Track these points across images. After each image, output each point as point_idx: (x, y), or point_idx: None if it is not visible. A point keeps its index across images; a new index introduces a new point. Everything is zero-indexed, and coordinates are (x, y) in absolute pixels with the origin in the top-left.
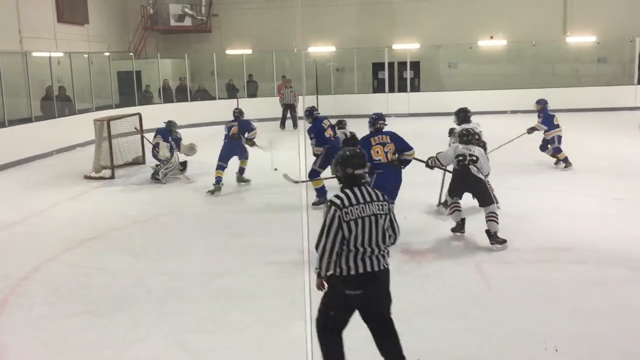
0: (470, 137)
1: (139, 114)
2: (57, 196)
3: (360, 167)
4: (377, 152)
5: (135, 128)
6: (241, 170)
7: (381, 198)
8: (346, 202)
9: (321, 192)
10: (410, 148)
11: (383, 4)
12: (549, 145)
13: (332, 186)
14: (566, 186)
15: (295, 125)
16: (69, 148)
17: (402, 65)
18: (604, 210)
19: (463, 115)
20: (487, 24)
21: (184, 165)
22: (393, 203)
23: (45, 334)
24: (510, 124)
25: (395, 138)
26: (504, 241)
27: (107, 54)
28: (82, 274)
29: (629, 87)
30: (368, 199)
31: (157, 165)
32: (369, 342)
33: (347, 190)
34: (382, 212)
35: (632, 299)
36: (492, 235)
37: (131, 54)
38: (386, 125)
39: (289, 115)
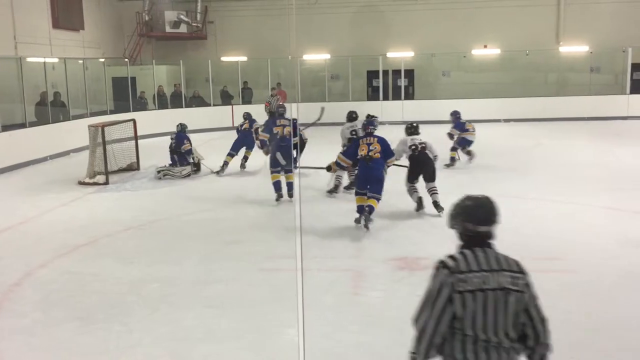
0: (414, 130)
1: (134, 120)
2: (51, 202)
3: (486, 223)
4: (363, 149)
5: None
6: (245, 159)
7: (515, 267)
8: (462, 266)
9: (277, 186)
10: (392, 155)
11: (377, 13)
12: (464, 147)
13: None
14: (558, 195)
15: None
16: (63, 154)
17: (397, 73)
18: (596, 219)
19: (349, 116)
20: (480, 33)
21: (197, 166)
22: (380, 197)
23: (37, 341)
24: (503, 132)
25: (382, 142)
26: (443, 208)
27: (102, 60)
28: (75, 280)
29: (621, 96)
30: (495, 265)
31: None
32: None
33: (467, 251)
34: (515, 288)
35: (626, 308)
36: (438, 205)
37: (126, 60)
38: (375, 129)
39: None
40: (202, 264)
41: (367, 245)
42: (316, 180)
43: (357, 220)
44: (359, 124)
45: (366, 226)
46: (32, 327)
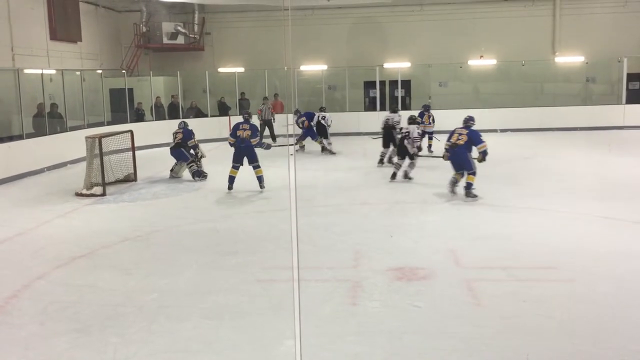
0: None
1: (131, 131)
2: (48, 213)
3: None
4: (453, 137)
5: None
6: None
7: None
8: None
9: (231, 180)
10: (480, 142)
11: (374, 23)
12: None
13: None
14: (553, 204)
15: (274, 140)
16: (60, 165)
17: (394, 83)
18: (592, 229)
19: (392, 108)
20: (477, 44)
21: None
22: (473, 172)
23: (34, 353)
24: (499, 142)
25: (471, 134)
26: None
27: (100, 71)
28: (72, 292)
29: (617, 106)
30: None
31: (188, 164)
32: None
33: None
34: None
35: (622, 318)
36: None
37: (124, 71)
38: (474, 124)
39: (266, 132)
40: (199, 275)
41: (364, 255)
42: (315, 184)
43: (451, 191)
44: (395, 116)
45: (473, 195)
46: (29, 338)
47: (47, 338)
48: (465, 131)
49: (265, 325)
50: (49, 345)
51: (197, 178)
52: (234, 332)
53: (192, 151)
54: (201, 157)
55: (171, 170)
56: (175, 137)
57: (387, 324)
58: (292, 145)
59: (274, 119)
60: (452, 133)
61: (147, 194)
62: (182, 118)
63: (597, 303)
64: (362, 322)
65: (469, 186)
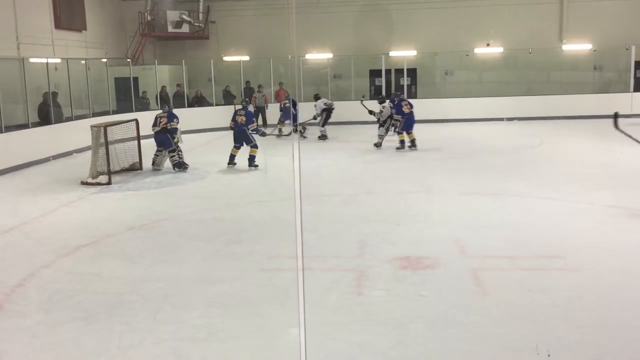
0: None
1: (136, 120)
2: (53, 202)
3: None
4: (405, 108)
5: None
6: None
7: None
8: None
9: (231, 158)
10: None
11: (380, 12)
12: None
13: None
14: (559, 194)
15: (265, 125)
16: (65, 154)
17: (399, 72)
18: (598, 218)
19: (315, 96)
20: (483, 32)
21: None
22: (411, 132)
23: (40, 341)
24: (506, 131)
25: (409, 104)
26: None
27: (105, 60)
28: (77, 281)
29: (624, 94)
30: None
31: (170, 153)
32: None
33: None
34: None
35: (627, 307)
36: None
37: (128, 60)
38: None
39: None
40: (204, 264)
41: (369, 244)
42: (319, 174)
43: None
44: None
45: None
46: (35, 327)
47: (53, 326)
48: (407, 103)
49: (270, 314)
50: (55, 333)
51: (177, 169)
52: (238, 321)
53: (175, 138)
54: (177, 142)
55: (153, 163)
56: (159, 122)
57: (393, 313)
58: (293, 125)
59: (266, 107)
60: (400, 105)
61: (152, 183)
62: (187, 107)
63: (604, 292)
64: (368, 311)
65: (413, 142)
